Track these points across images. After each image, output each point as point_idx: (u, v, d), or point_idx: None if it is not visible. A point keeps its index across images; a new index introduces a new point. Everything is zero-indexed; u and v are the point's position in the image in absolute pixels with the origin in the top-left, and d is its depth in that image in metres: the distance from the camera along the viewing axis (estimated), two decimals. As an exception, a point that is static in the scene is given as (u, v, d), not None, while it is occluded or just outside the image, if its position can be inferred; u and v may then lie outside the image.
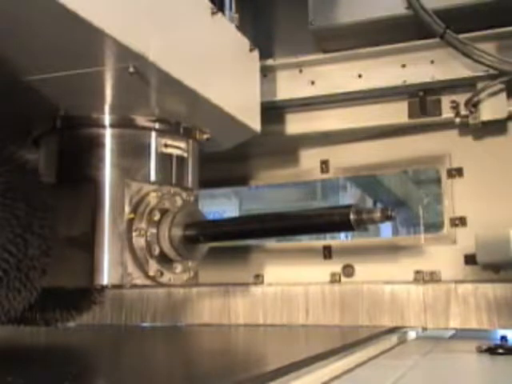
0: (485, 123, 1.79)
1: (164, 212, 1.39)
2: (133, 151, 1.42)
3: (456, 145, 1.92)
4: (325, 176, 2.12)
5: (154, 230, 1.37)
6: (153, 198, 1.39)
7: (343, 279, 1.99)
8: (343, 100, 1.97)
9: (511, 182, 1.83)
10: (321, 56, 1.95)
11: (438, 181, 2.01)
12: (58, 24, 1.02)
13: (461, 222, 1.87)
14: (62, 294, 1.50)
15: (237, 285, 2.10)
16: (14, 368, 1.03)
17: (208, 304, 2.13)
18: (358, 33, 1.88)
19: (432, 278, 1.87)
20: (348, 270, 1.99)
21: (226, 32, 1.56)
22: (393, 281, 1.90)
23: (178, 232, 1.38)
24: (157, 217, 1.37)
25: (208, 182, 1.69)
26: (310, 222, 1.31)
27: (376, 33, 1.86)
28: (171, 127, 1.48)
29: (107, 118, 1.41)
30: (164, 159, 1.46)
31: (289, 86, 1.97)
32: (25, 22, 1.02)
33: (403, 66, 1.86)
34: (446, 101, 1.87)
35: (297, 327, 1.93)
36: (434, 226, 2.27)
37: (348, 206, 1.21)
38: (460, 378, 1.08)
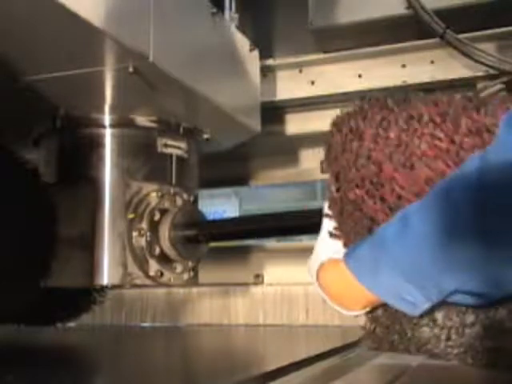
0: (485, 123, 1.79)
1: (164, 212, 1.39)
2: (133, 151, 1.42)
3: (456, 145, 1.92)
4: (325, 176, 2.11)
5: (154, 230, 1.37)
6: (153, 198, 1.39)
7: (343, 279, 1.98)
8: (343, 100, 1.97)
9: (511, 181, 1.83)
10: (321, 56, 1.95)
11: (438, 181, 2.00)
12: (58, 24, 1.02)
13: (461, 221, 1.87)
14: (61, 294, 1.50)
15: (237, 285, 2.10)
16: (14, 368, 1.03)
17: (208, 304, 2.13)
18: (358, 33, 1.87)
19: (432, 277, 1.87)
20: (348, 270, 1.98)
21: (226, 32, 1.56)
22: (393, 281, 1.90)
23: (178, 232, 1.38)
24: (157, 217, 1.37)
25: (208, 182, 1.69)
26: (310, 222, 1.31)
27: (376, 33, 1.86)
28: (171, 127, 1.48)
29: (107, 118, 1.41)
30: (164, 159, 1.46)
31: (289, 86, 1.97)
32: (25, 22, 1.02)
33: (403, 66, 1.85)
34: (446, 101, 1.87)
35: (297, 327, 1.93)
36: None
37: (348, 206, 1.21)
38: (460, 378, 1.08)
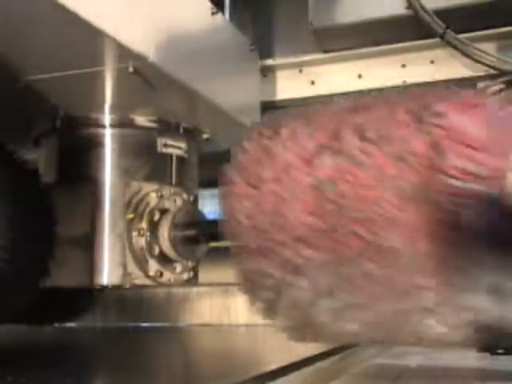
0: (485, 123, 1.79)
1: (164, 212, 1.39)
2: (133, 151, 1.43)
3: (456, 145, 1.92)
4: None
5: (154, 230, 1.37)
6: (153, 198, 1.39)
7: (343, 279, 1.98)
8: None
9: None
10: (321, 56, 1.95)
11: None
12: (58, 24, 1.02)
13: (461, 221, 1.87)
14: (61, 294, 1.50)
15: (237, 285, 2.09)
16: (13, 368, 1.03)
17: (208, 304, 2.13)
18: (358, 33, 1.87)
19: (432, 277, 1.87)
20: (348, 270, 1.98)
21: (225, 32, 1.56)
22: (393, 281, 1.90)
23: (178, 232, 1.38)
24: (157, 217, 1.37)
25: (208, 182, 1.69)
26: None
27: (376, 33, 1.86)
28: (171, 127, 1.48)
29: (107, 118, 1.41)
30: (164, 159, 1.46)
31: (289, 86, 1.97)
32: (25, 22, 1.02)
33: (403, 66, 1.86)
34: (446, 101, 1.87)
35: (297, 327, 1.93)
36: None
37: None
38: (460, 378, 1.08)
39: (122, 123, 1.42)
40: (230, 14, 1.63)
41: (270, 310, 0.89)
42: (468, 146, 0.64)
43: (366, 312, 0.77)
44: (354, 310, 0.78)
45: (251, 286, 0.86)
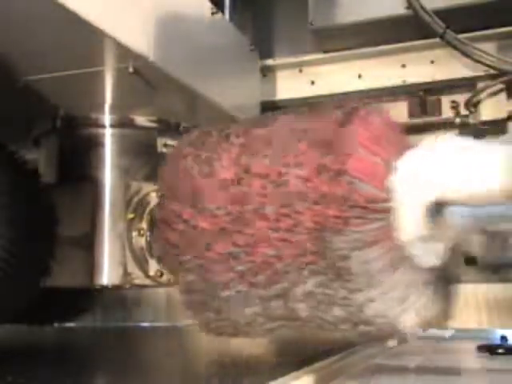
0: (485, 123, 1.79)
1: (164, 212, 1.39)
2: (133, 151, 1.43)
3: (456, 145, 1.92)
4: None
5: (154, 230, 1.37)
6: (153, 198, 1.39)
7: (343, 279, 1.98)
8: (343, 100, 1.97)
9: (511, 182, 1.83)
10: (321, 56, 1.95)
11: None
12: (58, 24, 1.02)
13: (461, 221, 1.86)
14: (61, 294, 1.50)
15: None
16: (13, 368, 1.03)
17: (208, 304, 2.12)
18: (358, 33, 1.87)
19: (432, 277, 1.86)
20: (348, 270, 1.98)
21: (225, 32, 1.56)
22: (393, 281, 1.90)
23: (177, 232, 1.38)
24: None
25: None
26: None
27: (376, 33, 1.86)
28: (171, 127, 1.48)
29: (107, 118, 1.41)
30: (164, 159, 1.46)
31: (289, 86, 1.97)
32: (25, 22, 1.02)
33: (403, 66, 1.86)
34: (446, 101, 1.87)
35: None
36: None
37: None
38: (460, 378, 1.08)
39: (122, 123, 1.42)
40: (230, 14, 1.63)
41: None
42: (371, 124, 0.86)
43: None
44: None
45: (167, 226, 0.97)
